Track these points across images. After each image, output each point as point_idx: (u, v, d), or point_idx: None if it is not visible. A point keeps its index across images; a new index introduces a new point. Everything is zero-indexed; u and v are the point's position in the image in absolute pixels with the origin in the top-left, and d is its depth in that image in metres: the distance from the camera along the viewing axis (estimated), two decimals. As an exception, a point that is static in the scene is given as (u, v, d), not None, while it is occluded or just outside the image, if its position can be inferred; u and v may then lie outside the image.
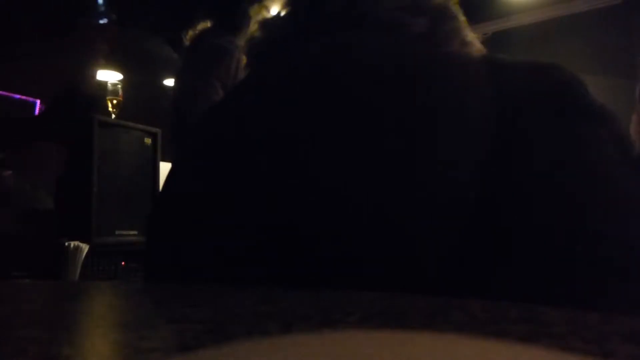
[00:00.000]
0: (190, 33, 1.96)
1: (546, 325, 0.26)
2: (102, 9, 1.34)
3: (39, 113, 1.40)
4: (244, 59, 0.62)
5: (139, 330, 0.29)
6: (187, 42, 1.96)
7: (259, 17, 0.61)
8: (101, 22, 1.33)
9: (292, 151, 0.45)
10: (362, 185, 0.42)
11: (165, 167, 2.44)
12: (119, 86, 2.55)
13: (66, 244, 1.85)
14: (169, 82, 2.06)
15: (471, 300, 0.32)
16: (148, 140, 2.42)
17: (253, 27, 0.61)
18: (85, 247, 1.93)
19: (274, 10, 0.64)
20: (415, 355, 0.16)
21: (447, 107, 0.44)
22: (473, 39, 0.56)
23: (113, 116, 2.39)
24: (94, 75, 1.39)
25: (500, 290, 0.38)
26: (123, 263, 2.17)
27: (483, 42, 0.58)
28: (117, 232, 2.17)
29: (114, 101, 2.44)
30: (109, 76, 3.73)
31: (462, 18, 0.56)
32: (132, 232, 2.22)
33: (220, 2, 1.96)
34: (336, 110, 0.46)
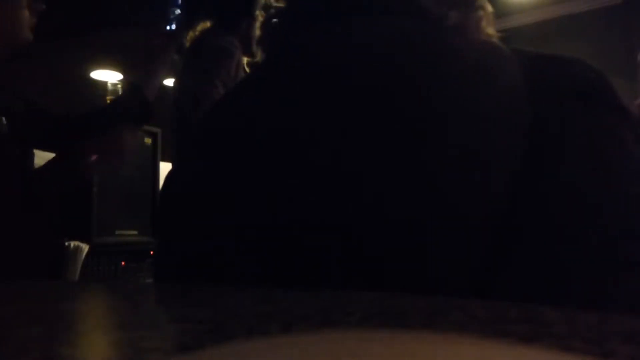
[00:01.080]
0: (190, 34, 1.96)
1: (546, 325, 0.26)
2: (173, 15, 1.34)
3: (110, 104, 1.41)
4: (244, 59, 0.61)
5: (139, 330, 0.29)
6: (187, 43, 1.96)
7: None
8: (168, 28, 1.34)
9: (293, 150, 0.44)
10: (365, 184, 0.41)
11: (165, 167, 2.44)
12: (119, 86, 2.55)
13: (66, 244, 1.86)
14: (169, 82, 2.05)
15: (471, 300, 0.32)
16: (148, 140, 2.42)
17: None
18: (85, 247, 1.93)
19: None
20: (415, 355, 0.16)
21: (478, 101, 0.42)
22: (494, 33, 0.55)
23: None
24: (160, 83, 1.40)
25: (509, 290, 0.37)
26: (123, 263, 2.17)
27: None
28: (117, 232, 2.18)
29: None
30: (109, 76, 3.74)
31: (489, 9, 0.54)
32: (132, 232, 2.22)
33: (220, 3, 1.96)
34: (345, 104, 0.44)
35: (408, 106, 0.43)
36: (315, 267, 0.41)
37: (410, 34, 0.48)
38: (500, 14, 3.68)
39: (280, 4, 0.57)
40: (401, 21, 0.49)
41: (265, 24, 0.59)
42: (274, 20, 0.57)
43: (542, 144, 0.41)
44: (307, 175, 0.43)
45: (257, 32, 0.59)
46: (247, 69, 1.82)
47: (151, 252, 2.18)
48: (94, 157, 1.22)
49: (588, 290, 0.37)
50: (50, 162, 1.24)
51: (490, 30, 0.54)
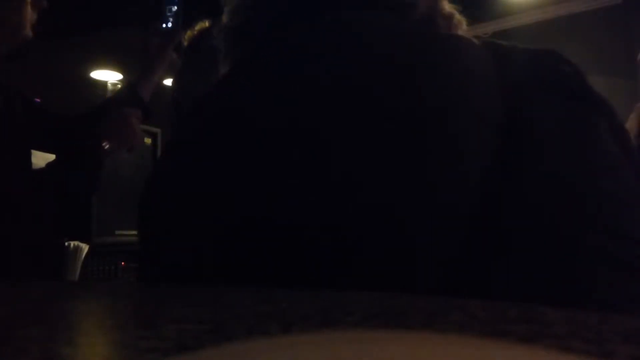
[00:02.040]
0: (189, 33, 1.96)
1: (546, 325, 0.26)
2: (169, 12, 1.34)
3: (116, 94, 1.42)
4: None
5: (139, 330, 0.29)
6: (185, 43, 1.96)
7: None
8: (164, 26, 1.34)
9: (286, 148, 0.43)
10: (364, 182, 0.41)
11: (165, 167, 2.44)
12: (119, 86, 2.56)
13: (66, 244, 1.86)
14: (169, 81, 2.05)
15: (471, 300, 0.32)
16: (148, 140, 2.43)
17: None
18: (85, 247, 1.93)
19: None
20: (415, 355, 0.16)
21: (455, 96, 0.42)
22: (451, 9, 0.54)
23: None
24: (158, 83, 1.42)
25: (502, 290, 0.37)
26: (123, 263, 2.18)
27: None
28: (117, 232, 2.18)
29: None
30: (109, 76, 3.74)
31: None
32: (132, 232, 2.22)
33: (219, 3, 1.96)
34: (338, 100, 0.43)
35: (388, 102, 0.42)
36: (316, 268, 0.41)
37: (383, 28, 0.47)
38: (500, 14, 3.68)
39: (256, 8, 0.56)
40: (373, 15, 0.49)
41: (234, 30, 0.57)
42: (249, 23, 0.56)
43: (517, 138, 0.40)
44: (301, 174, 0.43)
45: (222, 44, 0.57)
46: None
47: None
48: (106, 143, 1.23)
49: (563, 283, 0.37)
50: (69, 156, 1.24)
51: (445, 9, 0.53)
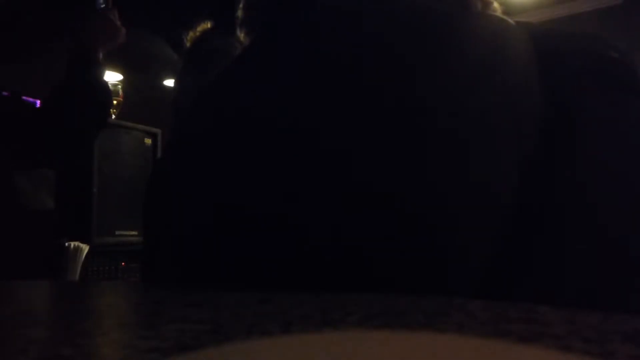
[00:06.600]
0: (190, 34, 1.96)
1: (546, 325, 0.26)
2: None
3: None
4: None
5: (139, 330, 0.29)
6: (187, 44, 1.96)
7: None
8: (99, 7, 1.36)
9: (294, 141, 0.41)
10: (388, 177, 0.37)
11: (165, 167, 2.44)
12: (119, 86, 2.56)
13: (66, 244, 1.85)
14: (169, 82, 2.05)
15: (471, 300, 0.32)
16: (148, 141, 2.43)
17: None
18: (85, 247, 1.93)
19: None
20: (415, 355, 0.16)
21: (489, 77, 0.38)
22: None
23: (113, 116, 2.40)
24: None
25: (537, 293, 0.35)
26: (123, 263, 2.18)
27: None
28: (117, 232, 2.18)
29: (114, 101, 2.45)
30: (109, 76, 3.73)
31: None
32: (132, 232, 2.23)
33: (221, 3, 1.96)
34: (357, 88, 0.40)
35: (416, 86, 0.39)
36: (331, 270, 0.38)
37: (417, 9, 0.44)
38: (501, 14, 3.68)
39: None
40: None
41: (249, 4, 0.55)
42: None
43: (557, 132, 0.37)
44: (309, 167, 0.40)
45: (240, 13, 0.56)
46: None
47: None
48: (95, 46, 1.24)
49: (600, 289, 0.35)
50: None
51: None
